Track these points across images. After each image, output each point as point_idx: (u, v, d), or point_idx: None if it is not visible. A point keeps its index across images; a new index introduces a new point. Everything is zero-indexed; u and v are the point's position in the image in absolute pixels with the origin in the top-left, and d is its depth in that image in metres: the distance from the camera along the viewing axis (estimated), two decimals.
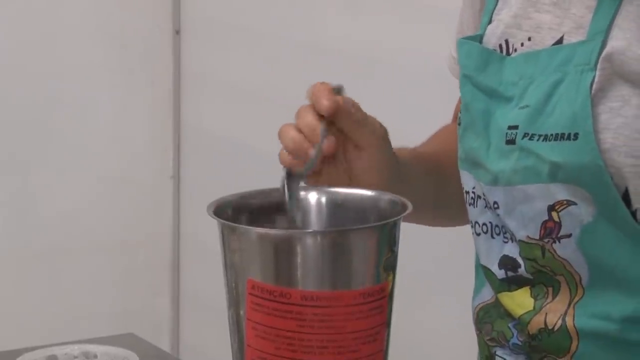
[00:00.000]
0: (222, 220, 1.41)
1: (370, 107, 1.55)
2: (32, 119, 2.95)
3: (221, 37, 2.98)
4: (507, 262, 1.47)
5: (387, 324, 1.42)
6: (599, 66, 1.37)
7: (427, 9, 2.44)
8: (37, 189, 2.95)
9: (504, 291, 1.48)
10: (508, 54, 1.50)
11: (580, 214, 1.41)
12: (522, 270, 1.45)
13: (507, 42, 1.50)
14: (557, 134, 1.39)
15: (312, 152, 1.46)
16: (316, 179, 1.52)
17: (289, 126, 1.50)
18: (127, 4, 3.03)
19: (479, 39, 1.54)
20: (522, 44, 1.48)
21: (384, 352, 1.42)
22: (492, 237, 1.53)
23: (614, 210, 1.39)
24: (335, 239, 1.40)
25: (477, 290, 1.56)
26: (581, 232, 1.42)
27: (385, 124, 1.55)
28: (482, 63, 1.51)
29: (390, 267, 1.41)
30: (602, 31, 1.38)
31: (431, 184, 1.69)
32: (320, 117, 1.47)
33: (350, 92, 1.47)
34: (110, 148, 3.05)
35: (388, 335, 1.42)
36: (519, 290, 1.46)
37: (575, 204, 1.41)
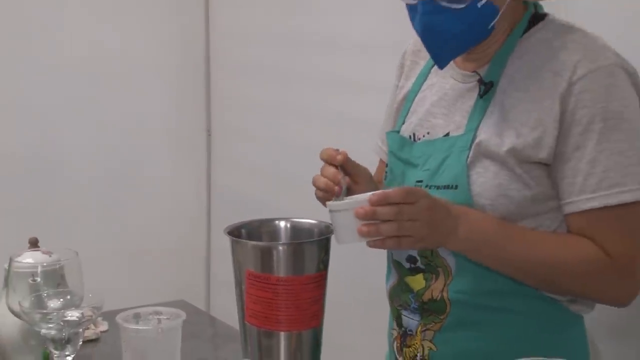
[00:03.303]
0: (231, 237, 1.41)
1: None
2: (124, 181, 2.89)
3: (241, 136, 2.87)
4: (411, 259, 1.40)
5: (324, 294, 1.42)
6: (472, 149, 1.33)
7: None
8: (124, 215, 2.88)
9: (409, 275, 1.41)
10: (415, 140, 1.43)
11: None
12: (419, 263, 1.39)
13: (414, 134, 1.44)
14: (445, 185, 1.34)
15: (343, 185, 1.36)
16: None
17: (318, 176, 1.41)
18: (179, 113, 2.96)
19: (399, 131, 1.47)
20: (423, 135, 1.42)
21: (322, 310, 1.42)
22: None
23: None
24: (295, 247, 1.40)
25: (387, 277, 1.48)
26: None
27: None
28: (401, 145, 1.45)
29: (325, 262, 1.41)
30: (473, 129, 1.33)
31: None
32: (336, 167, 1.40)
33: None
34: (169, 195, 2.99)
35: (324, 300, 1.43)
36: (417, 275, 1.39)
37: None
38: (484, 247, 1.30)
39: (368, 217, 1.23)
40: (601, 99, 1.27)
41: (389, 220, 1.23)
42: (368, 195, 1.24)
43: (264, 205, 2.49)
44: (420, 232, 1.25)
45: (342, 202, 1.29)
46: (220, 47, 2.94)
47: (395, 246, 1.26)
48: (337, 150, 1.40)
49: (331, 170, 1.39)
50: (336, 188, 1.38)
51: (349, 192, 1.38)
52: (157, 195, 2.97)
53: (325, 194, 1.39)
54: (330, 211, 1.29)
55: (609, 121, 1.26)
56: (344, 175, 1.38)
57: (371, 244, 1.25)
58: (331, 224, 1.31)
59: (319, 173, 1.42)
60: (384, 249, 1.27)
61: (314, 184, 1.40)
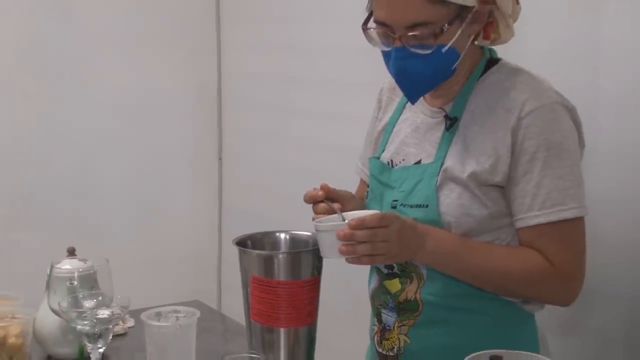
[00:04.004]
0: (239, 247, 1.41)
1: None
2: (149, 200, 2.88)
3: (247, 162, 2.86)
4: (388, 265, 1.39)
5: (318, 295, 1.41)
6: (440, 174, 1.33)
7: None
8: (148, 228, 2.88)
9: (387, 279, 1.40)
10: (392, 166, 1.42)
11: None
12: (395, 269, 1.39)
13: (392, 160, 1.43)
14: (418, 204, 1.34)
15: (339, 214, 1.33)
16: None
17: (316, 216, 1.37)
18: (195, 142, 2.96)
19: (379, 157, 1.46)
20: (399, 162, 1.41)
21: (316, 309, 1.41)
22: None
23: None
24: (293, 256, 1.39)
25: (369, 281, 1.47)
26: None
27: None
28: (381, 170, 1.43)
29: (319, 269, 1.40)
30: (441, 157, 1.33)
31: None
32: (321, 201, 1.36)
33: None
34: (187, 211, 2.96)
35: (318, 301, 1.42)
36: (394, 279, 1.39)
37: None
38: (447, 260, 1.31)
39: (347, 239, 1.23)
40: (545, 131, 1.27)
41: (365, 242, 1.23)
42: (348, 219, 1.24)
43: (267, 219, 2.48)
44: (391, 251, 1.25)
45: (326, 224, 1.28)
46: (230, 88, 2.94)
47: (369, 262, 1.26)
48: (316, 188, 1.38)
49: (321, 206, 1.37)
50: (331, 216, 1.37)
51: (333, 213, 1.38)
52: (176, 211, 2.96)
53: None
54: (316, 231, 1.28)
55: (551, 150, 1.27)
56: (332, 204, 1.36)
57: (349, 261, 1.26)
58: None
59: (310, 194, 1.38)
60: (360, 264, 1.27)
61: (314, 220, 1.37)
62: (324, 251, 1.29)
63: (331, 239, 1.25)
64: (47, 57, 2.67)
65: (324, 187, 1.38)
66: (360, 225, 1.23)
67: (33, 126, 2.68)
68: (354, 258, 1.25)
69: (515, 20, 1.36)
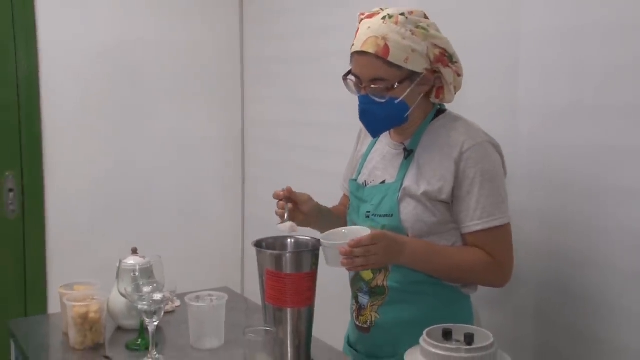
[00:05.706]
0: (256, 247, 1.39)
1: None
2: (190, 211, 2.87)
3: (264, 183, 2.81)
4: None
5: (315, 284, 1.38)
6: (400, 191, 1.32)
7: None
8: (190, 233, 2.84)
9: (363, 270, 1.39)
10: (365, 185, 1.40)
11: None
12: None
13: (365, 181, 1.41)
14: (384, 214, 1.33)
15: (285, 212, 1.37)
16: (294, 220, 1.39)
17: (277, 209, 1.40)
18: (224, 167, 2.93)
19: (356, 179, 1.44)
20: (371, 182, 1.39)
21: (314, 294, 1.38)
22: None
23: None
24: (297, 254, 1.37)
25: (350, 272, 1.43)
26: None
27: None
28: (357, 188, 1.41)
29: (316, 264, 1.37)
30: (401, 179, 1.33)
31: (329, 219, 1.50)
32: (281, 201, 1.39)
33: None
34: (218, 220, 2.93)
35: (315, 288, 1.39)
36: (368, 270, 1.37)
37: None
38: (419, 262, 1.32)
39: (347, 254, 1.23)
40: (480, 163, 1.29)
41: (360, 256, 1.23)
42: (349, 239, 1.24)
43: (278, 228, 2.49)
44: (380, 261, 1.26)
45: (331, 242, 1.27)
46: (251, 129, 2.94)
47: (363, 269, 1.27)
48: (283, 189, 1.39)
49: (280, 203, 1.39)
50: (284, 211, 1.39)
51: (293, 211, 1.38)
52: (211, 220, 2.96)
53: (282, 215, 1.40)
54: (323, 246, 1.28)
55: (485, 176, 1.29)
56: (286, 204, 1.38)
57: (348, 269, 1.27)
58: (322, 249, 1.29)
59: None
60: (355, 271, 1.28)
61: (276, 212, 1.39)
62: (328, 262, 1.27)
63: (335, 254, 1.24)
64: (122, 109, 2.72)
65: (287, 189, 1.39)
66: (357, 244, 1.23)
67: (111, 158, 2.71)
68: (352, 267, 1.25)
69: (458, 89, 1.36)
